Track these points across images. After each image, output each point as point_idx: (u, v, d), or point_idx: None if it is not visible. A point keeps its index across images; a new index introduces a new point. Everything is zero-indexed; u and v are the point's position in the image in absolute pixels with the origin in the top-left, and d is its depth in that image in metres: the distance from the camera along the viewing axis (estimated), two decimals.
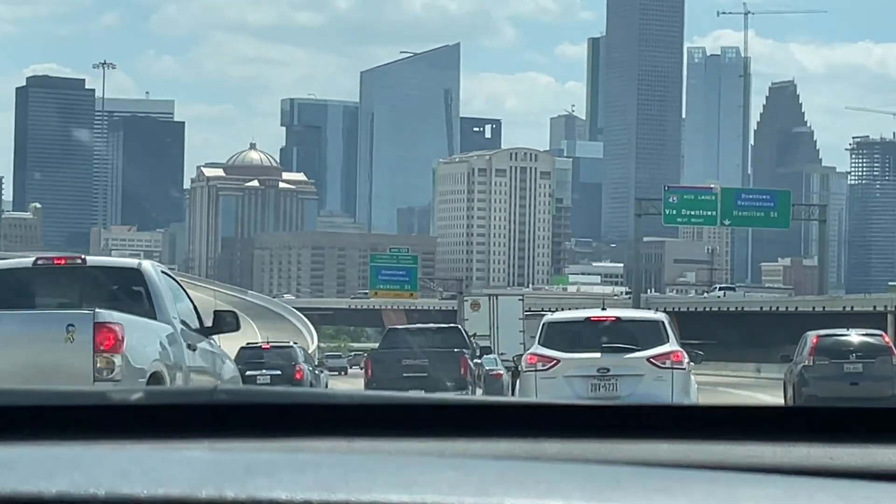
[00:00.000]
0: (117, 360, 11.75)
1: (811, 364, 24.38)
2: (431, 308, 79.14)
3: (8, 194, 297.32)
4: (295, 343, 31.26)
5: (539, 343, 17.51)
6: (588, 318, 17.95)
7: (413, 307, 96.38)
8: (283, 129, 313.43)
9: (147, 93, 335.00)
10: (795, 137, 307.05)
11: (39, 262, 13.51)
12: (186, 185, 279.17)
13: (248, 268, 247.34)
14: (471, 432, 1.26)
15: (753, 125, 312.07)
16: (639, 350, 16.85)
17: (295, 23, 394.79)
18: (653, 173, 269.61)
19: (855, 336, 25.99)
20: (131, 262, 14.53)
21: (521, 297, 60.74)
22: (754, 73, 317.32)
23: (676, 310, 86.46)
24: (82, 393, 1.57)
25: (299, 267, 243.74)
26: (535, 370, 16.98)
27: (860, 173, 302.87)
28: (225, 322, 13.92)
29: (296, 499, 0.97)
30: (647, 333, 17.33)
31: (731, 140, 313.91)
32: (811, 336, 25.64)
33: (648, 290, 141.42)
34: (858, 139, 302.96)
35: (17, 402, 1.37)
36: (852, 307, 67.81)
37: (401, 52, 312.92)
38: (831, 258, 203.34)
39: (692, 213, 76.26)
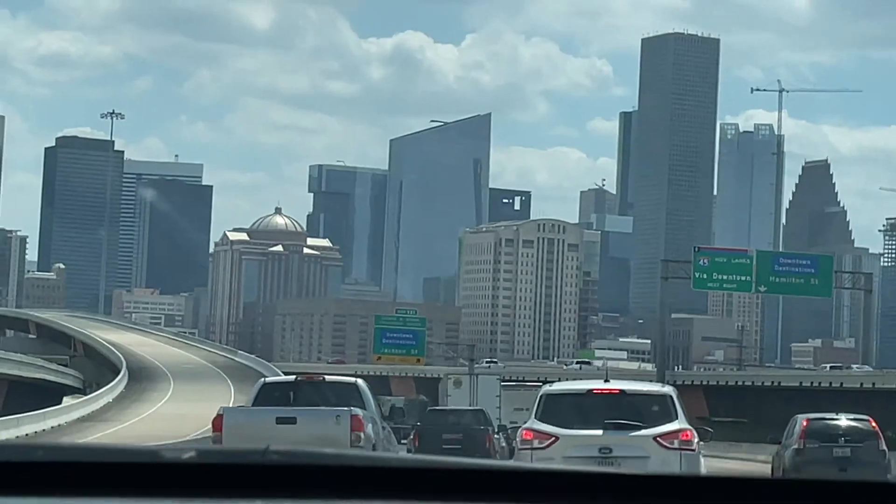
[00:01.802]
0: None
1: (801, 447, 24.06)
2: (438, 375, 71.48)
3: (33, 254, 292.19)
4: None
5: (536, 417, 16.19)
6: (590, 391, 16.65)
7: (422, 374, 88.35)
8: (311, 195, 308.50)
9: (176, 156, 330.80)
10: (827, 217, 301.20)
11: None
12: (212, 249, 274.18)
13: (268, 333, 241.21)
14: (500, 497, 1.23)
15: (785, 203, 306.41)
16: (644, 427, 15.60)
17: (327, 91, 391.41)
18: (682, 250, 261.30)
19: (844, 420, 25.50)
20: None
21: (499, 378, 64.40)
22: (787, 152, 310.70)
23: (705, 383, 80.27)
24: (146, 451, 1.53)
25: (321, 334, 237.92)
26: (532, 448, 15.80)
27: (894, 255, 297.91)
28: (395, 413, 30.02)
29: None
30: (654, 409, 16.07)
31: (762, 218, 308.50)
32: (801, 419, 25.01)
33: (676, 367, 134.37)
34: (892, 220, 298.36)
35: (76, 459, 1.31)
36: None
37: (431, 121, 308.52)
38: (861, 341, 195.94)
39: (724, 277, 69.21)
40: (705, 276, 69.67)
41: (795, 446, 24.85)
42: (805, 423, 24.92)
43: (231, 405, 57.94)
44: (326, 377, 22.94)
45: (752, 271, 68.59)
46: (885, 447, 25.09)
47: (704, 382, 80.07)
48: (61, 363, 79.69)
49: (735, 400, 69.28)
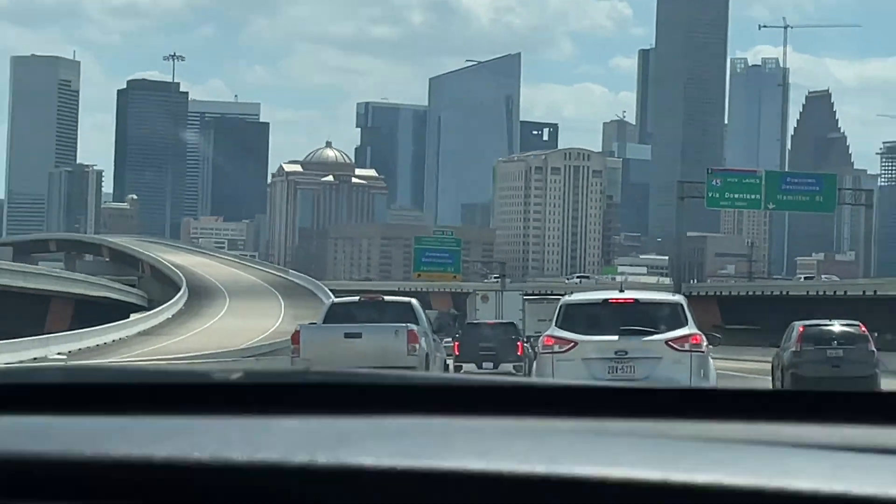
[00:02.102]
0: (417, 346, 20.79)
1: (798, 350, 24.09)
2: (474, 291, 70.45)
3: (108, 186, 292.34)
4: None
5: (556, 325, 15.88)
6: (606, 300, 16.39)
7: (459, 290, 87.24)
8: (358, 130, 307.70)
9: (236, 96, 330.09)
10: (829, 142, 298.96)
11: (363, 299, 24.34)
12: (269, 179, 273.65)
13: (321, 255, 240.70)
14: (539, 411, 1.19)
15: (790, 130, 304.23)
16: (657, 333, 15.30)
17: (372, 35, 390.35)
18: (697, 174, 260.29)
19: (837, 326, 25.82)
20: (406, 299, 23.86)
21: (521, 293, 63.35)
22: (792, 84, 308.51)
23: (719, 294, 79.31)
24: (192, 372, 1.53)
25: (369, 255, 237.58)
26: (552, 352, 15.63)
27: (890, 175, 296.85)
28: (443, 327, 31.87)
29: (382, 465, 0.92)
30: (666, 316, 15.78)
31: (769, 144, 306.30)
32: (798, 325, 25.21)
33: (691, 281, 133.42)
34: (889, 143, 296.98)
35: (135, 381, 1.33)
36: None
37: (466, 61, 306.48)
38: (861, 254, 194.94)
39: (735, 196, 67.85)
40: (718, 195, 68.35)
41: (793, 349, 24.72)
42: (801, 329, 24.95)
43: (279, 320, 57.24)
44: (385, 297, 24.21)
45: (762, 190, 67.23)
46: (873, 348, 25.24)
47: (718, 293, 79.00)
48: (129, 283, 78.85)
49: (746, 309, 68.17)
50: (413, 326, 20.70)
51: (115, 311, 59.20)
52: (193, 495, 0.85)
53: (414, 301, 23.60)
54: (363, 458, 0.90)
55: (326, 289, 76.83)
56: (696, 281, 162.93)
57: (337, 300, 25.66)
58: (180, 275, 77.64)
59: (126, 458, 0.82)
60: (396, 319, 20.95)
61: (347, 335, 20.30)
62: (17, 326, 45.95)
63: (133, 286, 79.33)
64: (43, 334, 45.28)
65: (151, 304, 68.54)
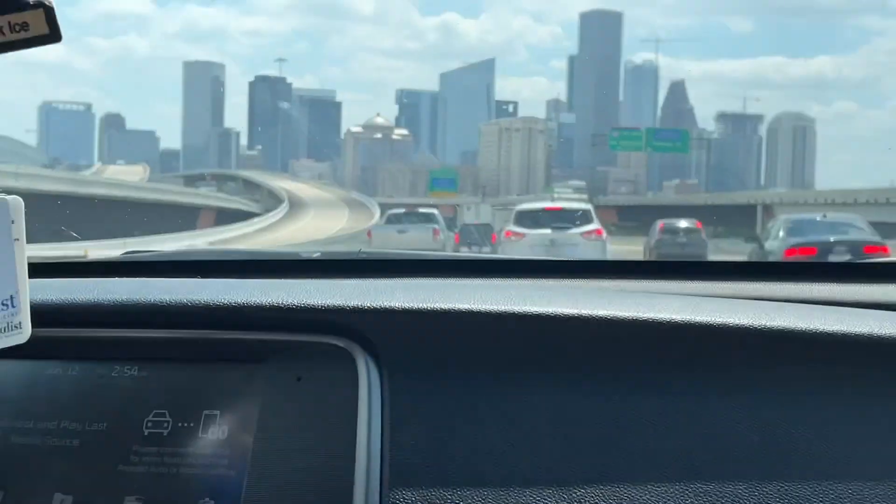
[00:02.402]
0: (438, 238, 18.08)
1: (659, 238, 22.80)
2: (471, 203, 69.78)
3: (244, 140, 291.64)
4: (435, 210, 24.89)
5: (512, 223, 15.40)
6: (543, 208, 16.05)
7: (455, 203, 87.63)
8: (397, 106, 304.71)
9: (321, 85, 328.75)
10: (684, 112, 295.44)
11: (406, 210, 22.75)
12: (342, 136, 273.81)
13: (374, 182, 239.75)
14: (512, 275, 1.06)
15: (660, 105, 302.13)
16: (575, 228, 14.81)
17: (405, 47, 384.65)
18: (603, 131, 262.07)
19: (682, 223, 24.52)
20: (432, 210, 22.02)
21: (492, 205, 57.78)
22: (661, 77, 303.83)
23: (617, 204, 77.90)
24: (288, 252, 1.37)
25: (402, 182, 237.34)
26: (510, 241, 14.97)
27: (720, 132, 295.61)
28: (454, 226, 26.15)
29: (477, 308, 0.75)
30: (580, 217, 15.32)
31: (647, 115, 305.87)
32: (659, 222, 24.35)
33: (600, 197, 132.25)
34: (720, 112, 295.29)
35: (257, 257, 1.24)
36: (735, 200, 58.69)
37: (462, 62, 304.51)
38: (702, 180, 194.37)
39: (627, 143, 66.52)
40: (616, 143, 66.82)
41: (655, 238, 23.21)
42: (661, 225, 23.93)
43: (345, 221, 56.58)
44: (419, 209, 23.76)
45: (643, 140, 65.59)
46: (704, 237, 23.91)
47: (616, 204, 77.54)
48: (254, 200, 77.49)
49: (632, 214, 66.66)
50: (436, 225, 20.24)
51: (243, 217, 58.37)
52: (283, 327, 0.75)
53: (436, 210, 23.20)
54: (396, 301, 0.76)
55: (375, 202, 75.30)
56: (602, 196, 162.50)
57: (391, 211, 25.10)
58: (284, 194, 76.30)
59: (245, 301, 0.75)
60: (426, 221, 20.62)
61: (399, 231, 19.95)
62: (177, 228, 44.81)
63: (257, 201, 77.98)
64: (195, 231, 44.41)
65: (268, 213, 68.10)
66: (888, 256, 1.30)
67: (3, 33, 0.47)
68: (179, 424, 0.71)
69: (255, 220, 53.09)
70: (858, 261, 1.12)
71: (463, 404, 0.71)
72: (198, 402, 0.72)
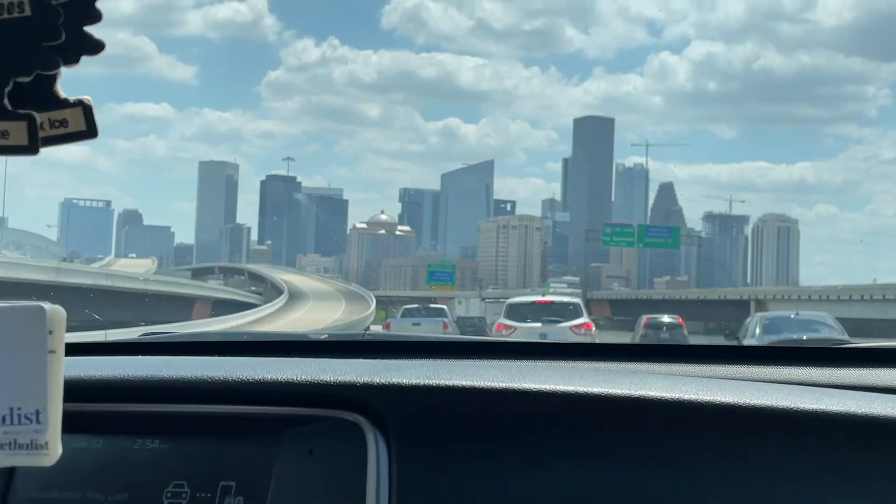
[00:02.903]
0: (448, 329, 17.90)
1: (643, 333, 23.09)
2: (462, 297, 67.85)
3: (254, 235, 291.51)
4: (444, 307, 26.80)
5: (504, 316, 14.72)
6: (534, 302, 15.26)
7: (453, 297, 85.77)
8: (400, 204, 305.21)
9: (329, 184, 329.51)
10: (672, 212, 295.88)
11: (419, 306, 23.51)
12: (348, 231, 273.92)
13: (377, 276, 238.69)
14: (553, 357, 1.08)
15: (650, 206, 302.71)
16: (564, 321, 13.86)
17: (408, 150, 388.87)
18: (595, 227, 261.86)
19: (666, 318, 25.02)
20: (441, 305, 24.05)
21: (482, 298, 56.99)
22: (651, 179, 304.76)
23: (610, 299, 76.49)
24: (297, 334, 1.41)
25: (404, 276, 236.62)
26: (502, 333, 13.95)
27: (707, 231, 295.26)
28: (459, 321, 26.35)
29: (420, 382, 0.78)
30: (570, 311, 14.47)
31: (637, 214, 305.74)
32: (643, 317, 24.86)
33: (592, 291, 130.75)
34: (707, 213, 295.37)
35: (267, 339, 1.21)
36: (725, 296, 57.22)
37: (462, 164, 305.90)
38: (692, 277, 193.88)
39: (619, 239, 64.95)
40: (609, 238, 65.44)
41: (641, 332, 23.37)
42: (645, 320, 24.25)
43: (341, 313, 55.12)
44: (431, 304, 25.18)
45: (635, 235, 64.17)
46: (685, 332, 23.69)
47: (609, 298, 75.84)
48: (258, 292, 75.80)
49: (624, 308, 65.00)
50: (446, 319, 21.02)
51: (242, 307, 56.71)
52: (296, 402, 0.76)
53: (445, 307, 24.88)
54: (404, 378, 0.78)
55: (371, 294, 73.67)
56: (595, 291, 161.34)
57: (407, 306, 26.53)
58: (285, 285, 74.76)
59: (261, 378, 0.76)
60: (436, 315, 21.55)
61: (413, 324, 20.29)
62: (173, 317, 43.22)
63: (260, 294, 76.22)
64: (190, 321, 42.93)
65: (266, 304, 66.66)
66: None
67: (44, 129, 0.48)
68: (197, 495, 0.71)
69: (252, 311, 51.28)
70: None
71: (468, 476, 0.71)
72: (215, 473, 0.72)
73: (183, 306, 54.02)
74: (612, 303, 74.31)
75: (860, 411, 0.73)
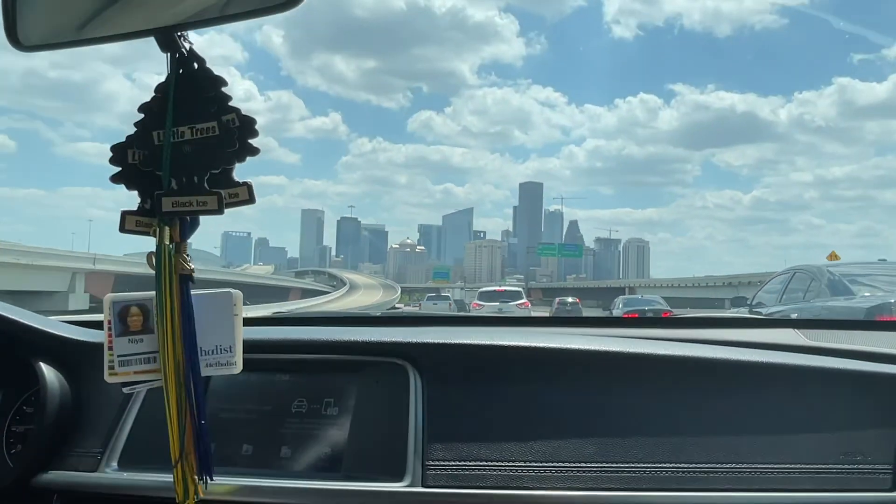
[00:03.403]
0: (453, 307, 15.94)
1: (557, 307, 18.75)
2: (451, 287, 65.16)
3: (334, 252, 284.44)
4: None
5: (477, 299, 12.86)
6: (495, 290, 13.86)
7: (447, 288, 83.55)
8: (419, 233, 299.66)
9: (377, 222, 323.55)
10: (577, 238, 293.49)
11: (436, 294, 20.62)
12: (388, 249, 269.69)
13: (404, 277, 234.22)
14: (517, 325, 0.98)
15: (564, 234, 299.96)
16: (513, 301, 11.89)
17: (423, 201, 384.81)
18: (533, 245, 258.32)
19: (570, 298, 20.02)
20: (447, 294, 20.24)
21: (462, 289, 50.48)
22: (564, 219, 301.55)
23: (542, 288, 73.42)
24: (356, 312, 1.30)
25: (419, 278, 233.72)
26: (476, 310, 11.80)
27: (597, 248, 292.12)
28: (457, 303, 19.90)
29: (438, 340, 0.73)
30: (516, 295, 13.00)
31: (557, 240, 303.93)
32: (557, 299, 20.72)
33: (531, 283, 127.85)
34: (597, 238, 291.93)
35: (332, 315, 1.15)
36: (610, 285, 54.35)
37: (454, 210, 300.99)
38: (589, 274, 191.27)
39: (547, 251, 62.79)
40: (541, 251, 63.27)
41: (555, 307, 20.49)
42: (558, 300, 21.29)
43: (380, 297, 52.49)
44: (442, 293, 22.16)
45: (556, 250, 61.53)
46: (581, 307, 20.23)
47: (542, 288, 72.77)
48: (331, 285, 73.03)
49: (551, 293, 61.97)
50: (450, 301, 18.80)
51: (319, 294, 54.43)
52: (369, 353, 0.72)
53: (449, 294, 22.59)
54: (431, 338, 0.73)
55: (398, 286, 70.32)
56: (534, 283, 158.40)
57: (429, 294, 23.65)
58: (347, 281, 71.65)
59: (348, 339, 0.73)
60: (445, 300, 19.37)
61: (434, 304, 17.92)
62: (278, 299, 40.39)
63: (334, 286, 73.17)
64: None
65: (335, 291, 64.15)
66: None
67: (226, 199, 0.49)
68: (311, 406, 0.70)
69: (325, 296, 49.24)
70: (670, 317, 1.10)
71: (477, 398, 0.68)
72: (321, 393, 0.71)
73: (284, 294, 52.02)
74: (544, 290, 72.89)
75: (691, 354, 0.69)
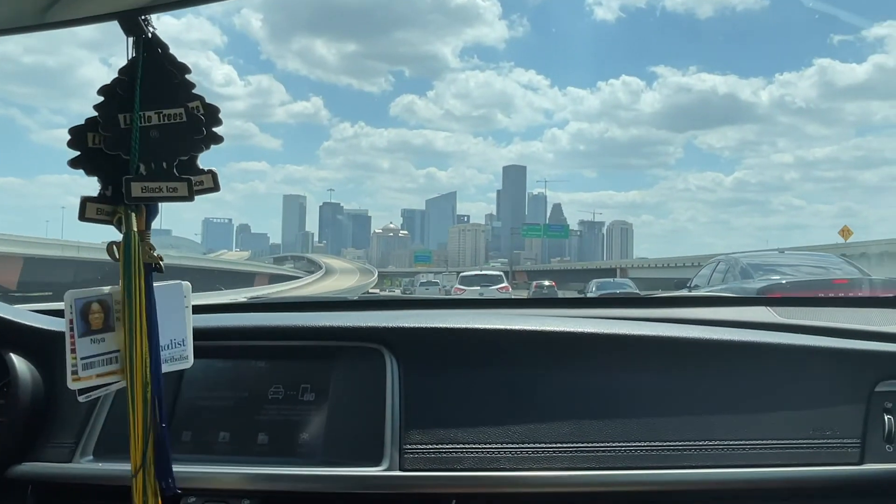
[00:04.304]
0: (440, 289, 15.77)
1: (535, 290, 18.40)
2: (434, 272, 62.37)
3: (316, 237, 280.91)
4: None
5: (458, 283, 12.42)
6: (476, 274, 13.16)
7: (430, 271, 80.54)
8: (402, 218, 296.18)
9: (359, 207, 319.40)
10: (561, 221, 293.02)
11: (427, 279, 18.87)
12: (371, 234, 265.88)
13: (387, 261, 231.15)
14: (495, 307, 1.00)
15: (548, 217, 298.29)
16: (494, 285, 11.85)
17: (406, 186, 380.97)
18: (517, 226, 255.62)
19: (546, 281, 19.78)
20: (436, 279, 19.51)
21: (444, 272, 48.66)
22: (548, 202, 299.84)
23: (526, 270, 71.08)
24: (326, 297, 1.26)
25: (405, 260, 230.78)
26: (457, 293, 11.19)
27: (581, 233, 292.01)
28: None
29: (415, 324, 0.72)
30: (496, 279, 12.40)
31: (539, 221, 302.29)
32: (534, 282, 20.72)
33: (515, 266, 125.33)
34: (581, 220, 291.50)
35: (305, 300, 1.09)
36: (599, 266, 51.97)
37: (438, 194, 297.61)
38: (573, 257, 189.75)
39: (533, 233, 59.81)
40: (526, 232, 59.98)
41: (532, 290, 19.97)
42: (535, 283, 21.03)
43: (355, 281, 49.64)
44: (433, 279, 21.99)
45: (541, 231, 58.80)
46: (556, 289, 19.71)
47: (526, 270, 70.14)
48: (308, 271, 69.62)
49: (534, 276, 59.49)
50: (440, 287, 17.83)
51: (290, 279, 51.21)
52: (345, 338, 0.72)
53: (439, 280, 21.78)
54: (406, 323, 0.72)
55: (376, 270, 67.29)
56: (517, 266, 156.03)
57: (421, 280, 23.08)
58: (324, 266, 68.44)
59: (323, 325, 0.71)
60: (436, 285, 19.16)
61: (426, 288, 18.07)
62: (234, 286, 37.25)
63: (311, 272, 69.72)
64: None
65: (307, 276, 60.75)
66: None
67: (191, 186, 0.48)
68: (288, 392, 0.70)
69: (296, 281, 46.17)
70: (632, 296, 0.92)
71: (450, 382, 0.68)
72: (297, 380, 0.70)
73: (247, 279, 48.92)
74: (528, 273, 70.60)
75: (664, 334, 0.69)
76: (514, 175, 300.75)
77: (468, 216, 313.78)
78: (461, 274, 14.15)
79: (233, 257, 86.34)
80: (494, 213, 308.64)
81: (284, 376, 0.71)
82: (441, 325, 0.71)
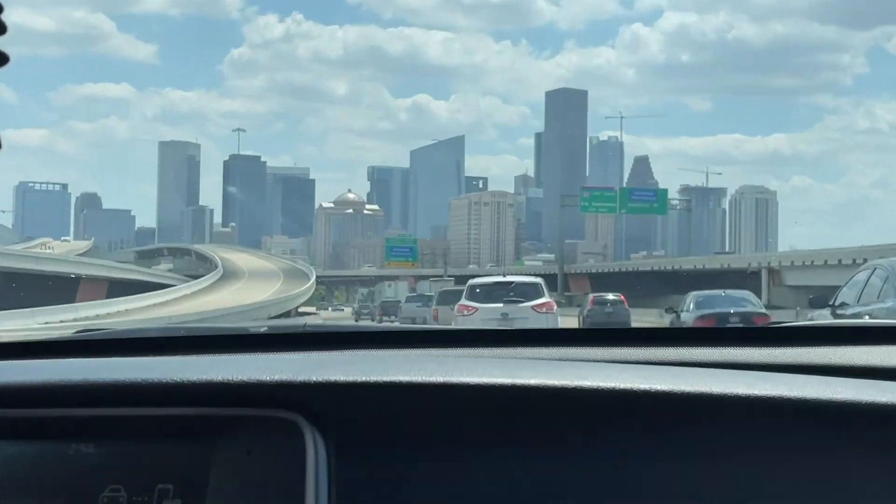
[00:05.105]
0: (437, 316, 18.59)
1: (590, 308, 22.91)
2: (429, 276, 60.08)
3: (218, 217, 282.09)
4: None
5: (465, 298, 13.92)
6: (496, 282, 14.50)
7: (417, 274, 76.90)
8: (368, 182, 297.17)
9: (295, 163, 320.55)
10: (649, 186, 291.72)
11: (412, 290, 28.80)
12: (315, 211, 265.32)
13: (344, 257, 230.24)
14: (500, 344, 1.06)
15: (625, 180, 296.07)
16: (526, 301, 13.46)
17: (377, 127, 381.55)
18: (569, 208, 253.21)
19: (610, 296, 24.17)
20: (426, 293, 24.56)
21: (430, 280, 50.66)
22: (626, 152, 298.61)
23: (589, 272, 69.53)
24: (234, 328, 1.40)
25: (373, 256, 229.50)
26: (463, 315, 13.47)
27: (685, 205, 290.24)
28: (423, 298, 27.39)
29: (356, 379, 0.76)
30: (531, 291, 13.87)
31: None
32: (590, 296, 25.25)
33: (570, 266, 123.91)
34: (683, 185, 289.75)
35: (192, 334, 1.18)
36: (729, 264, 50.24)
37: (432, 140, 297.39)
38: (669, 252, 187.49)
39: (599, 205, 57.30)
40: (587, 204, 57.83)
41: (588, 308, 23.62)
42: (592, 298, 24.66)
43: (272, 293, 47.45)
44: (416, 288, 23.88)
45: (617, 200, 56.81)
46: (626, 307, 23.75)
47: (588, 272, 68.88)
48: (194, 274, 66.93)
49: (602, 282, 58.02)
50: (432, 305, 19.77)
51: (154, 290, 48.83)
52: (233, 402, 0.74)
53: (431, 293, 23.06)
54: (339, 375, 0.76)
55: (314, 272, 65.94)
56: (573, 265, 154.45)
57: (409, 294, 27.66)
58: (220, 265, 66.68)
59: (196, 380, 0.75)
60: (427, 302, 21.09)
61: (418, 306, 19.58)
62: (56, 300, 35.40)
63: (200, 276, 67.09)
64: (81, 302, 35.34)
65: (183, 284, 57.91)
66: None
67: None
68: (134, 499, 0.70)
69: (160, 293, 43.14)
70: (769, 326, 1.18)
71: (407, 473, 0.71)
72: (152, 476, 0.71)
73: (93, 289, 45.49)
74: (592, 276, 66.39)
75: (792, 395, 0.73)
76: (566, 107, 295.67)
77: (484, 179, 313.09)
78: (471, 281, 14.78)
79: (62, 250, 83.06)
80: (531, 173, 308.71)
81: (130, 469, 0.72)
82: (401, 379, 0.74)
